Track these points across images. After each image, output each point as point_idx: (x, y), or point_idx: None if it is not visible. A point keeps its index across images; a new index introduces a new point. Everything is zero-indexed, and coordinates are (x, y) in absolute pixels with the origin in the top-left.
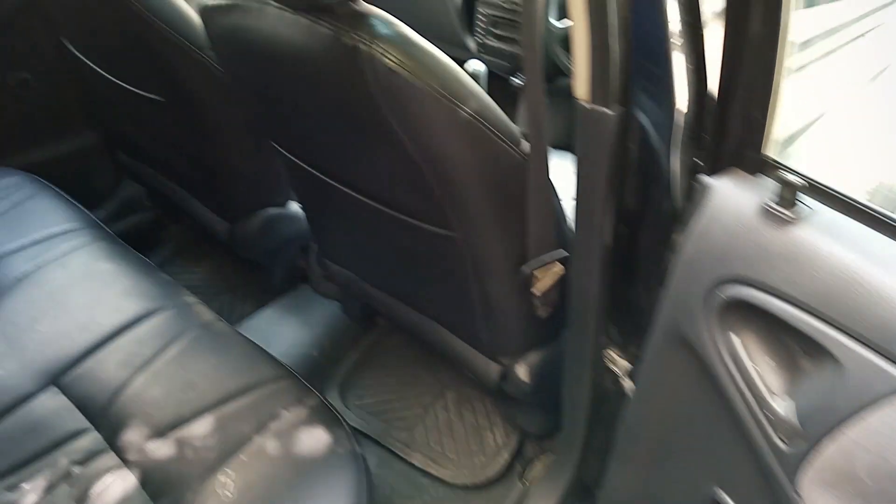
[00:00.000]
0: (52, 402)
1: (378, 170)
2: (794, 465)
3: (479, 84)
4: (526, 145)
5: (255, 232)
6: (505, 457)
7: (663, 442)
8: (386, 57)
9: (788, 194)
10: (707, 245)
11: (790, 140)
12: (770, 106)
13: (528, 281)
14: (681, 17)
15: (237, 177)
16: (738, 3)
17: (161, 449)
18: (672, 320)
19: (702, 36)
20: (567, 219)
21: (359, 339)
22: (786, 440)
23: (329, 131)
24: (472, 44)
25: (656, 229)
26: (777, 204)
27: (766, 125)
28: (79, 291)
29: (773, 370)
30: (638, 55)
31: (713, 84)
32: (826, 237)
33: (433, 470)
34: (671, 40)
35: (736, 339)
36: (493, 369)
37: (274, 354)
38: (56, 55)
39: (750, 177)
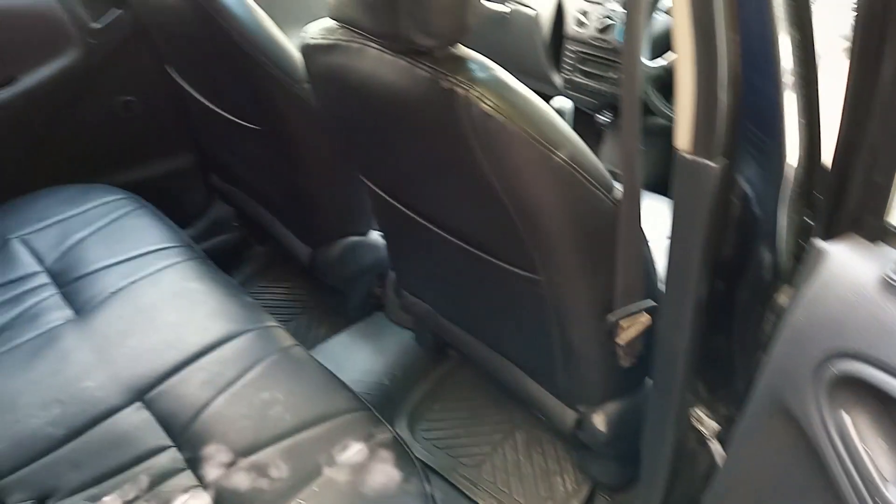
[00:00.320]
0: (136, 418)
1: (465, 209)
2: None
3: (564, 120)
4: (618, 192)
5: (336, 259)
6: None
7: None
8: (482, 101)
9: None
10: (819, 314)
11: None
12: None
13: (613, 330)
14: (794, 68)
15: (323, 205)
16: (870, 42)
17: (237, 473)
18: (774, 389)
19: (816, 88)
20: (657, 268)
21: (430, 370)
22: None
23: (419, 169)
24: (558, 80)
25: (757, 288)
26: None
27: (892, 189)
28: (168, 309)
29: (886, 454)
30: (746, 105)
31: (829, 138)
32: None
33: None
34: (783, 92)
35: (847, 418)
36: (568, 416)
37: (346, 381)
38: (160, 80)
39: (869, 244)
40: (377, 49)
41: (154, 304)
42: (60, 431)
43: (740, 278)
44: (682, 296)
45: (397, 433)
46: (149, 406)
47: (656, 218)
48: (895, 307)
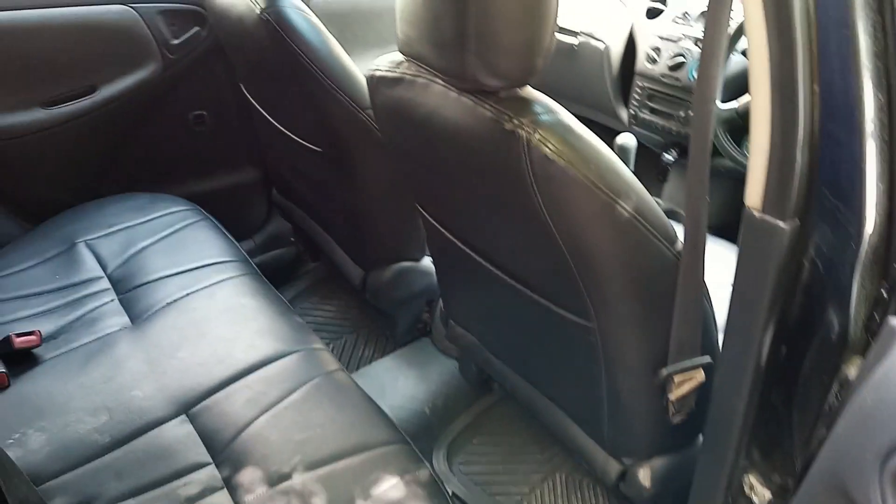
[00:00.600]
0: (179, 431)
1: (520, 249)
2: None
3: (627, 158)
4: (680, 244)
5: (387, 282)
6: None
7: None
8: (544, 145)
9: None
10: (890, 397)
11: None
12: None
13: (665, 384)
14: (877, 131)
15: (379, 229)
16: None
17: (272, 497)
18: (834, 469)
19: None
20: (716, 323)
21: (472, 403)
22: None
23: (476, 206)
24: (624, 115)
25: (823, 356)
26: None
27: None
28: (219, 323)
29: None
30: (824, 165)
31: None
32: None
33: None
34: (865, 155)
35: None
36: (612, 467)
37: (387, 406)
38: (231, 97)
39: None
40: (443, 85)
41: (206, 318)
42: (106, 439)
43: (806, 344)
44: (741, 357)
45: (434, 465)
46: (193, 420)
47: (716, 263)
48: None
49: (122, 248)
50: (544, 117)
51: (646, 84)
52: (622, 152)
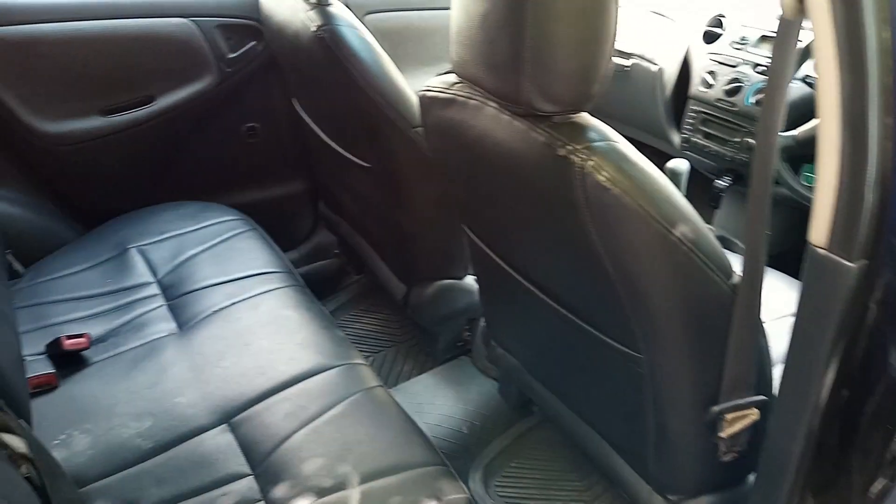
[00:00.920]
0: (221, 440)
1: (568, 276)
2: None
3: (679, 183)
4: (737, 278)
5: (429, 299)
6: None
7: None
8: (598, 172)
9: None
10: None
11: None
12: None
13: (716, 422)
14: None
15: (423, 246)
16: None
17: None
18: None
19: None
20: (771, 360)
21: (511, 425)
22: None
23: (524, 230)
24: (675, 138)
25: (887, 402)
26: None
27: None
28: (263, 334)
29: None
30: (895, 205)
31: None
32: None
33: None
34: None
35: None
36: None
37: (425, 424)
38: (283, 110)
39: None
40: (496, 108)
41: (251, 328)
42: (148, 444)
43: (869, 389)
44: (799, 399)
45: (470, 486)
46: (234, 430)
47: (769, 293)
48: None
49: (172, 254)
50: (599, 144)
51: (700, 108)
52: (674, 177)
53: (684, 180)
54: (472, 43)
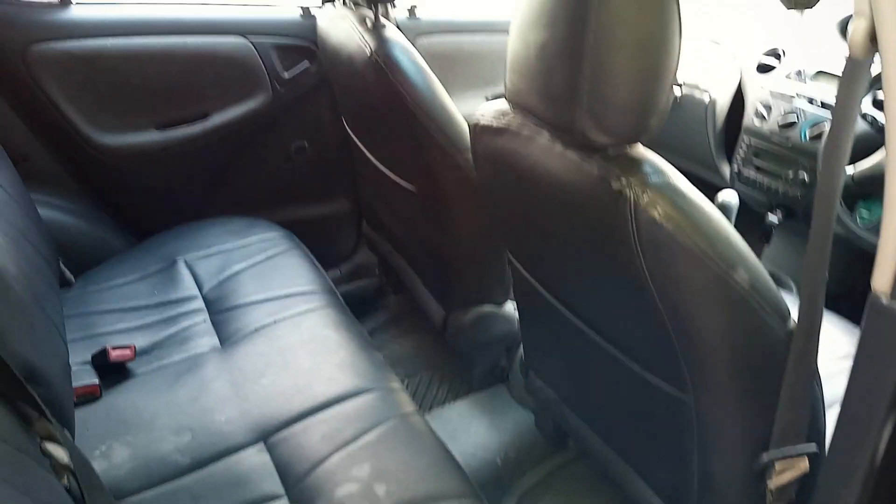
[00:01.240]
0: (256, 459)
1: (615, 311)
2: None
3: (728, 216)
4: (793, 323)
5: (468, 325)
6: None
7: None
8: (652, 208)
9: None
10: None
11: None
12: None
13: (765, 470)
14: None
15: (465, 271)
16: None
17: None
18: None
19: None
20: (825, 408)
21: (546, 458)
22: None
23: (572, 262)
24: (726, 170)
25: None
26: None
27: None
28: (303, 353)
29: None
30: None
31: None
32: None
33: None
34: None
35: None
36: None
37: (458, 452)
38: (332, 130)
39: None
40: (548, 139)
41: (291, 347)
42: (186, 460)
43: None
44: (854, 452)
45: None
46: (270, 450)
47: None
48: None
49: (218, 269)
50: (654, 178)
51: (753, 140)
52: (723, 210)
53: (734, 214)
54: (529, 72)
